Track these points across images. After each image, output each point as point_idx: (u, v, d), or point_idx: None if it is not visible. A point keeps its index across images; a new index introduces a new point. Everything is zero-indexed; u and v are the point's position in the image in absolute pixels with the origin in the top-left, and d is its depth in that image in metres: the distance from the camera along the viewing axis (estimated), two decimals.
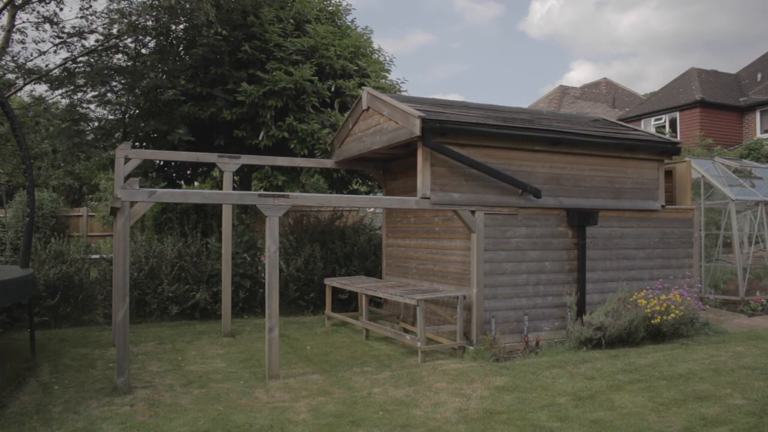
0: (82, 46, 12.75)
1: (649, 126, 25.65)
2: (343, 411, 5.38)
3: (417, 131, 7.17)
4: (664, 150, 8.99)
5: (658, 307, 7.98)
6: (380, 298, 9.08)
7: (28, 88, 14.15)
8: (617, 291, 8.40)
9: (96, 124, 12.94)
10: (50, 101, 14.14)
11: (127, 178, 8.18)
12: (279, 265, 8.26)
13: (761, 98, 23.38)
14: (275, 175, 13.41)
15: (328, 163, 10.16)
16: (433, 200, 7.36)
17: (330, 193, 14.19)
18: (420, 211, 9.09)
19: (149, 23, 11.82)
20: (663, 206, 9.05)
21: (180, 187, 13.49)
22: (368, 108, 8.63)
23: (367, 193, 13.81)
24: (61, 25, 12.76)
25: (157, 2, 11.34)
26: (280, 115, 11.12)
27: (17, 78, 12.92)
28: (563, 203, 8.21)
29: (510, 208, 7.87)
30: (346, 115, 9.85)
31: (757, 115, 23.58)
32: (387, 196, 7.59)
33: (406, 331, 8.68)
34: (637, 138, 8.87)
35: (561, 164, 8.26)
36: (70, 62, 12.41)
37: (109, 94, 12.26)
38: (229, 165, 9.13)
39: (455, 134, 7.41)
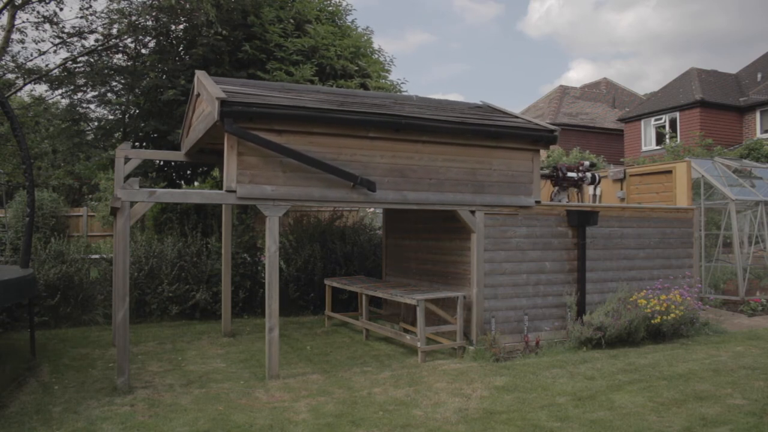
0: (82, 46, 12.77)
1: (649, 126, 25.65)
2: (343, 411, 5.38)
3: (216, 115, 6.23)
4: (539, 138, 7.96)
5: (658, 307, 7.98)
6: (380, 298, 9.08)
7: (28, 88, 14.18)
8: (617, 291, 8.40)
9: (96, 124, 12.95)
10: (50, 101, 14.15)
11: (127, 178, 8.16)
12: (279, 265, 8.25)
13: (761, 98, 23.37)
14: None
15: (179, 154, 9.22)
16: (240, 194, 6.43)
17: None
18: (420, 211, 9.01)
19: (149, 23, 11.83)
20: (538, 202, 8.09)
21: (180, 187, 13.48)
22: (199, 94, 7.61)
23: None
24: (61, 25, 12.78)
25: (157, 2, 11.35)
26: None
27: (17, 78, 12.94)
28: (407, 198, 7.26)
29: (340, 203, 7.00)
30: None
31: (757, 115, 23.58)
32: (191, 190, 6.55)
33: (406, 331, 8.68)
34: (503, 124, 7.85)
35: (407, 154, 7.28)
36: (70, 62, 12.42)
37: (109, 94, 12.28)
38: None
39: (267, 119, 6.48)
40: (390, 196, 7.16)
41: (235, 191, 6.42)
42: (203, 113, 7.39)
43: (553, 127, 8.04)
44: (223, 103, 6.18)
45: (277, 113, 6.48)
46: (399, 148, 7.26)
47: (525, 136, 7.90)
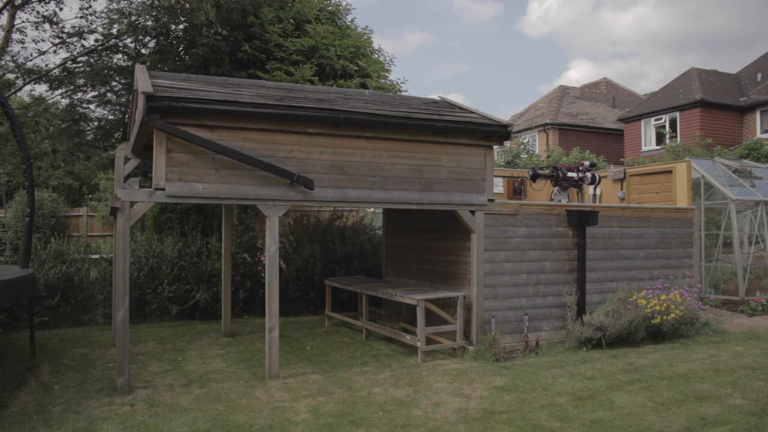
0: (82, 46, 12.77)
1: (649, 126, 25.65)
2: (343, 411, 5.39)
3: (143, 110, 5.99)
4: (491, 134, 7.65)
5: (658, 307, 7.98)
6: (380, 298, 9.08)
7: (28, 88, 14.17)
8: (617, 291, 8.40)
9: (96, 124, 12.95)
10: (50, 101, 14.14)
11: (127, 178, 8.16)
12: (279, 265, 8.24)
13: (761, 98, 23.37)
14: None
15: (126, 152, 8.72)
16: (169, 192, 6.18)
17: None
18: (419, 211, 8.99)
19: (149, 23, 11.83)
20: (491, 200, 7.80)
21: None
22: (137, 89, 7.07)
23: None
24: (60, 25, 12.78)
25: (157, 2, 11.35)
26: None
27: (17, 78, 12.94)
28: (349, 196, 6.99)
29: (276, 201, 6.63)
30: None
31: (757, 115, 23.58)
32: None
33: (406, 330, 8.67)
34: (451, 119, 7.49)
35: (349, 150, 7.01)
36: (70, 62, 12.42)
37: (109, 94, 12.27)
38: None
39: (198, 114, 6.23)
40: (330, 194, 6.90)
41: (163, 189, 6.17)
42: (138, 108, 7.13)
43: (506, 122, 7.73)
44: (149, 98, 5.96)
45: (207, 108, 6.25)
46: (340, 144, 6.99)
47: (476, 131, 7.61)
